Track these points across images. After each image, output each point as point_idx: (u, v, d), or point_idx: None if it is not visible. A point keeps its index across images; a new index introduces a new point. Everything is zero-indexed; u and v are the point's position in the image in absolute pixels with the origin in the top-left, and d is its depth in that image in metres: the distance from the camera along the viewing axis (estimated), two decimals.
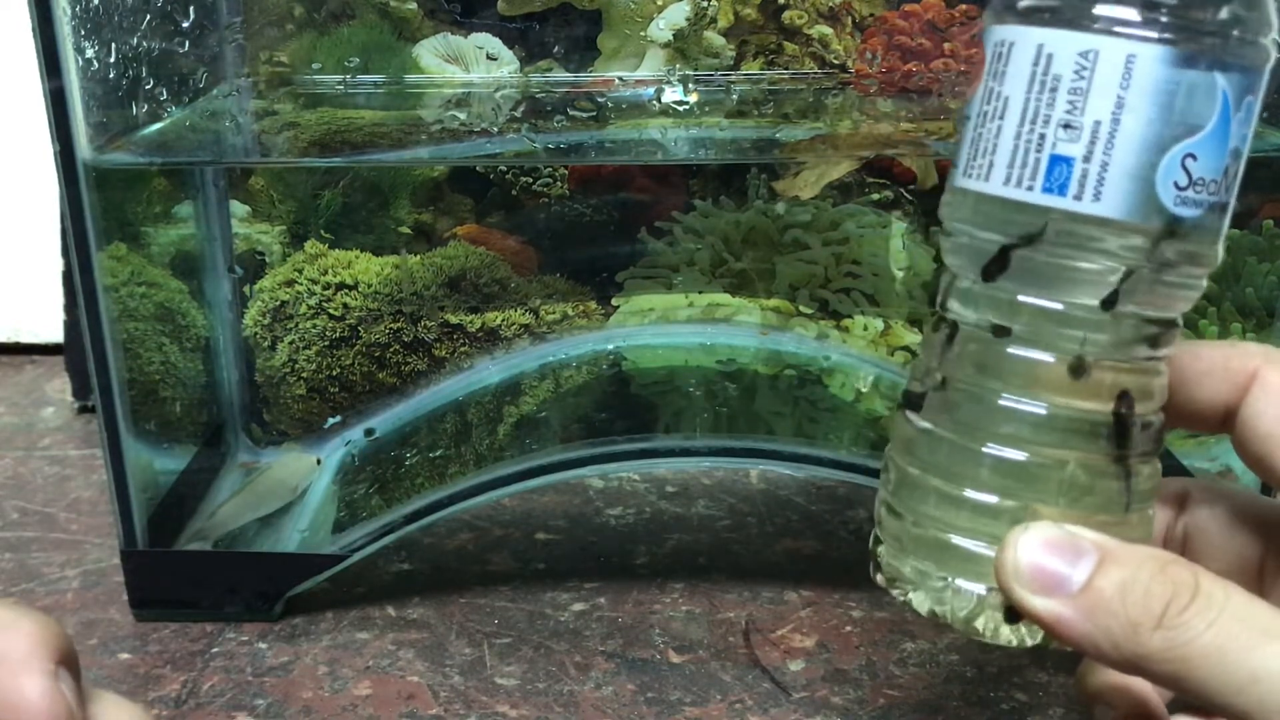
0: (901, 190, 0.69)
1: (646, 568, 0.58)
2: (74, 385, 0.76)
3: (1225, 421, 0.31)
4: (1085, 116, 0.28)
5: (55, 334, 0.80)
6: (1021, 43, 0.28)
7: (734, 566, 0.58)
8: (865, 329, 0.67)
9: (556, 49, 0.65)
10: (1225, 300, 0.64)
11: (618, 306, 0.69)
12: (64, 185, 0.46)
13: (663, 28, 0.64)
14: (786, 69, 0.67)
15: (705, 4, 0.63)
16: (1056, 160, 0.28)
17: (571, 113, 0.58)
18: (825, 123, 0.62)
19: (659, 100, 0.60)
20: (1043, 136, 0.28)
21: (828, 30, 0.66)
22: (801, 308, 0.67)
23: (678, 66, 0.64)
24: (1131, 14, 0.27)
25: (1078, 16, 0.27)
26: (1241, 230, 0.64)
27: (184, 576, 0.53)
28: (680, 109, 0.59)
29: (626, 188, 0.70)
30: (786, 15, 0.66)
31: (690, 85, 0.62)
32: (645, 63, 0.65)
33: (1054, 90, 0.28)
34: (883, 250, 0.68)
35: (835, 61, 0.67)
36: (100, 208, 0.48)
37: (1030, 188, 0.28)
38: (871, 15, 0.66)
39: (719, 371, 0.64)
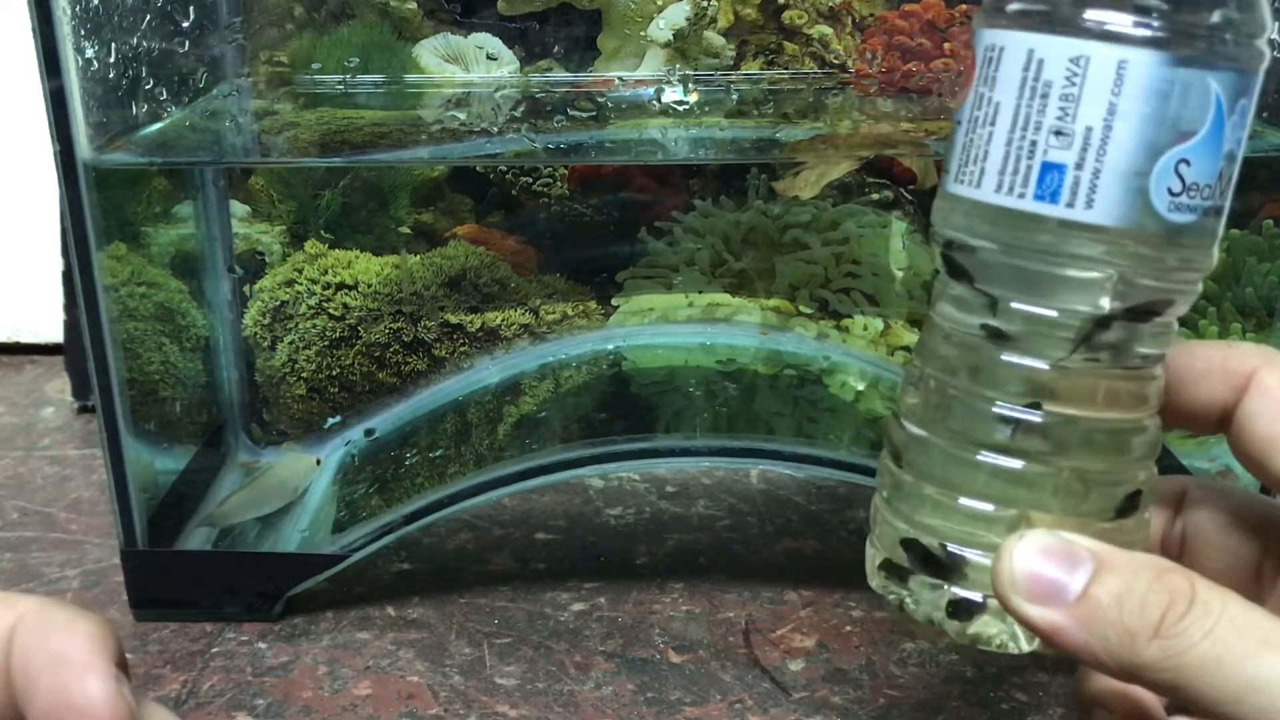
0: (901, 190, 0.69)
1: (646, 568, 0.58)
2: (74, 385, 0.76)
3: (1222, 423, 0.31)
4: (1077, 123, 0.27)
5: (55, 334, 0.80)
6: (1012, 48, 0.28)
7: (734, 566, 0.58)
8: (865, 329, 0.67)
9: (556, 49, 0.65)
10: (1225, 300, 0.64)
11: (618, 306, 0.69)
12: (64, 185, 0.46)
13: (663, 28, 0.64)
14: (786, 69, 0.67)
15: (705, 4, 0.63)
16: (1048, 167, 0.28)
17: (571, 113, 0.58)
18: (825, 123, 0.61)
19: (659, 100, 0.60)
20: (1034, 143, 0.28)
21: (828, 30, 0.66)
22: (801, 308, 0.67)
23: (678, 66, 0.64)
24: (1123, 19, 0.27)
25: (1069, 21, 0.27)
26: (1241, 230, 0.64)
27: (184, 576, 0.53)
28: (680, 109, 0.59)
29: (626, 188, 0.70)
30: (786, 15, 0.66)
31: (690, 85, 0.62)
32: (645, 63, 0.65)
33: (1045, 96, 0.27)
34: (883, 250, 0.68)
35: (835, 61, 0.67)
36: (100, 208, 0.48)
37: (1022, 195, 0.28)
38: (871, 15, 0.66)
39: (719, 371, 0.64)
